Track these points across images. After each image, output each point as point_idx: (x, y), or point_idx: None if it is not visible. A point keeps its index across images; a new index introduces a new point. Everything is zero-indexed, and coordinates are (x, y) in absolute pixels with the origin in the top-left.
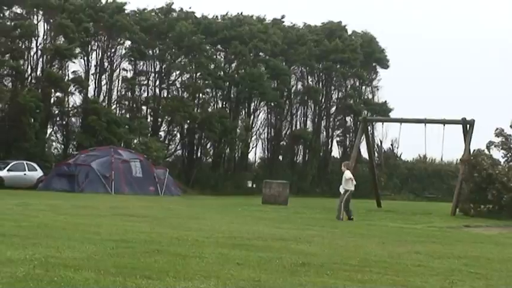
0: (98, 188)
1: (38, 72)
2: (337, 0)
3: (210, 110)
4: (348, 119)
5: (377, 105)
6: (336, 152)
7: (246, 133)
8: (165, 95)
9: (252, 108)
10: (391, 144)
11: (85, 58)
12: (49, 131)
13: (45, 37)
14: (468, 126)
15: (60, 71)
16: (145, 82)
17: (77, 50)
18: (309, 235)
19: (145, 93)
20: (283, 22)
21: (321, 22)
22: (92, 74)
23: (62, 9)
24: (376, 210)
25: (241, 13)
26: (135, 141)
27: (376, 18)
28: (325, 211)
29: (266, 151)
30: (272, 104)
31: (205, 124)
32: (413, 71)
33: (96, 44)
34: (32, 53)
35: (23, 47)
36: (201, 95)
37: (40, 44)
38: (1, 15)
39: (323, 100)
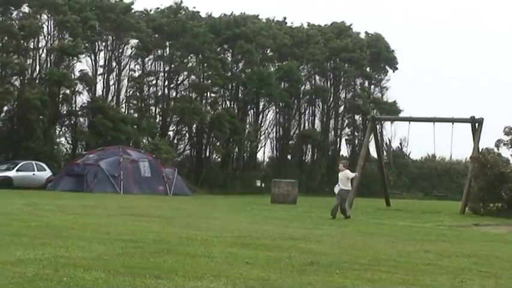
0: (106, 187)
1: (45, 72)
2: (345, 1)
3: (218, 109)
4: (356, 118)
5: (386, 104)
6: (344, 151)
7: (255, 133)
8: (174, 95)
9: (260, 107)
10: (400, 143)
11: (92, 57)
12: (57, 130)
13: (49, 37)
14: (477, 124)
15: (66, 70)
16: (154, 82)
17: (83, 48)
18: (318, 234)
19: (154, 93)
20: (287, 23)
21: (324, 24)
22: (99, 74)
23: (67, 8)
24: (385, 209)
25: (244, 13)
26: (144, 141)
27: (386, 19)
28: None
29: (275, 150)
30: (281, 104)
31: (214, 124)
32: (422, 71)
33: (103, 43)
34: (39, 52)
35: (31, 46)
36: (209, 93)
37: (46, 43)
38: (8, 15)
39: (331, 99)
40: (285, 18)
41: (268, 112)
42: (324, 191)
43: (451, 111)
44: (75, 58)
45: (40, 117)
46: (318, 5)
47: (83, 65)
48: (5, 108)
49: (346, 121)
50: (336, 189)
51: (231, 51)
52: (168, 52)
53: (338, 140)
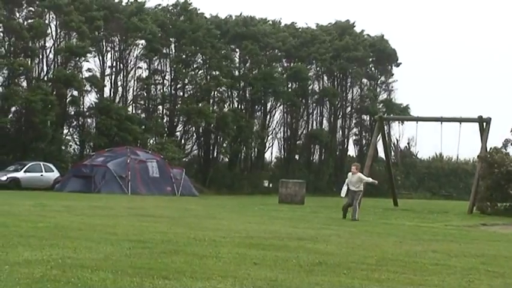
0: (114, 188)
1: (53, 73)
2: (349, 1)
3: (225, 110)
4: (364, 118)
5: (393, 104)
6: (352, 151)
7: (262, 132)
8: (181, 95)
9: (268, 107)
10: (408, 143)
11: (100, 58)
12: (65, 131)
13: (57, 36)
14: (485, 124)
15: (75, 71)
16: (161, 81)
17: (90, 48)
18: (326, 234)
19: (161, 93)
20: (294, 23)
21: (328, 22)
22: (107, 75)
23: (72, 8)
24: (393, 209)
25: (250, 16)
26: (151, 141)
27: (391, 19)
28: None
29: (282, 150)
30: (288, 103)
31: (221, 124)
32: (430, 70)
33: (110, 44)
34: (46, 53)
35: (38, 46)
36: (216, 93)
37: (53, 44)
38: (15, 15)
39: (339, 99)
40: (293, 23)
41: (276, 112)
42: (332, 191)
43: (458, 110)
44: (83, 58)
45: (47, 118)
46: (320, 5)
47: (90, 65)
48: (13, 109)
49: (354, 121)
50: (343, 193)
51: (238, 51)
52: (174, 52)
53: (346, 140)
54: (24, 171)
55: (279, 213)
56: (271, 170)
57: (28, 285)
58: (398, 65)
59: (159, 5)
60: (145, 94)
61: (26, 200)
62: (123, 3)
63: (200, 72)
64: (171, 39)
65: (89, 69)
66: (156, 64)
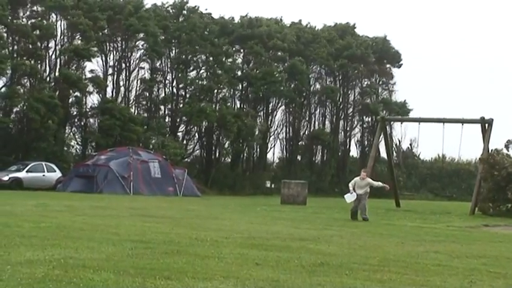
0: (116, 188)
1: (56, 73)
2: (351, 1)
3: (227, 110)
4: (366, 119)
5: (395, 104)
6: (354, 151)
7: (264, 133)
8: (183, 94)
9: (270, 108)
10: (410, 144)
11: (103, 58)
12: (67, 131)
13: (62, 37)
14: (487, 125)
15: (78, 72)
16: (163, 81)
17: (95, 49)
18: (328, 235)
19: (163, 93)
20: (301, 23)
21: (328, 25)
22: (109, 75)
23: (77, 8)
24: (395, 209)
25: (250, 16)
26: (153, 141)
27: (393, 19)
28: (344, 211)
29: (284, 151)
30: (289, 103)
31: (223, 124)
32: (432, 71)
33: (113, 44)
34: (50, 53)
35: (42, 47)
36: (217, 92)
37: (58, 45)
38: (21, 14)
39: (341, 100)
40: (293, 22)
41: (278, 112)
42: (334, 191)
43: (460, 111)
44: (87, 59)
45: (50, 121)
46: (321, 6)
47: (93, 65)
48: (15, 109)
49: (356, 122)
50: (348, 198)
51: (242, 51)
52: (175, 52)
53: (348, 140)
54: (26, 171)
55: (281, 213)
56: (273, 170)
57: (30, 285)
58: (400, 66)
59: (155, 4)
60: (147, 94)
61: (28, 200)
62: (121, 1)
63: (202, 71)
64: (170, 38)
65: (91, 71)
66: (158, 64)
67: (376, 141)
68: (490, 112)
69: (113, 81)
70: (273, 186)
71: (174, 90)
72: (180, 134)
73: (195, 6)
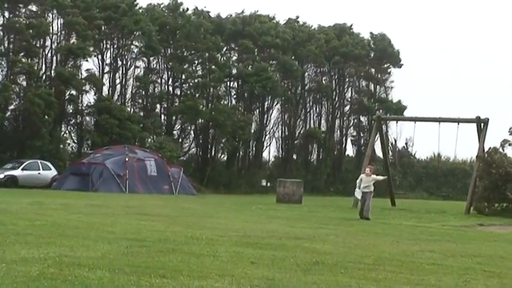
0: (112, 187)
1: (52, 71)
2: (350, 2)
3: (222, 108)
4: (362, 118)
5: (391, 103)
6: (350, 150)
7: (260, 132)
8: (179, 93)
9: (265, 106)
10: (406, 143)
11: (99, 57)
12: (63, 129)
13: (58, 35)
14: (482, 124)
15: (74, 70)
16: (158, 80)
17: (91, 48)
18: (323, 234)
19: (159, 92)
20: (297, 20)
21: (327, 25)
22: (105, 73)
23: (73, 7)
24: (391, 208)
25: (243, 11)
26: (149, 140)
27: (391, 18)
28: (340, 210)
29: (280, 150)
30: (284, 101)
31: (218, 122)
32: (428, 70)
33: (109, 42)
34: (46, 52)
35: (38, 45)
36: (211, 90)
37: (54, 43)
38: (17, 13)
39: (336, 99)
40: (290, 19)
41: (273, 111)
42: (329, 190)
43: (456, 111)
44: (83, 58)
45: (46, 116)
46: (320, 6)
47: (89, 64)
48: (11, 107)
49: (352, 121)
50: (358, 194)
51: (237, 49)
52: (171, 50)
53: (344, 139)
54: (22, 169)
55: (277, 212)
56: (269, 169)
57: (25, 283)
58: (400, 66)
59: (150, 3)
60: (143, 93)
61: (23, 198)
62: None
63: (197, 68)
64: (165, 36)
65: (87, 70)
66: (154, 63)
67: (372, 140)
68: (485, 112)
69: (109, 80)
70: (268, 184)
71: (170, 88)
72: (175, 132)
73: (193, 8)
